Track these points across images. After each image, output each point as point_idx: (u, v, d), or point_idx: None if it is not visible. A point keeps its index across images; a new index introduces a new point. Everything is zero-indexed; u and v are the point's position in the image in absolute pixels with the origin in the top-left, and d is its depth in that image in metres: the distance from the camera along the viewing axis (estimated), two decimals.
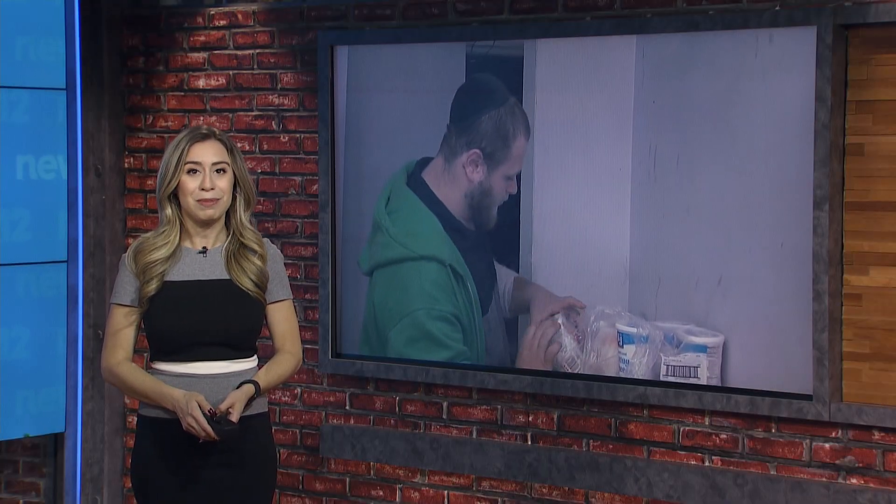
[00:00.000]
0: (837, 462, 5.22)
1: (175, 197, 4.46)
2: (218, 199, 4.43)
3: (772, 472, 5.35)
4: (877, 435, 5.15)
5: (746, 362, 4.83)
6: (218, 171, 4.44)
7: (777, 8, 5.21)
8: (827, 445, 5.24)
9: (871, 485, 5.17)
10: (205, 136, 4.46)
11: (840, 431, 5.21)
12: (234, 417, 4.31)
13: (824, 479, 5.24)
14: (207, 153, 4.43)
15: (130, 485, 4.52)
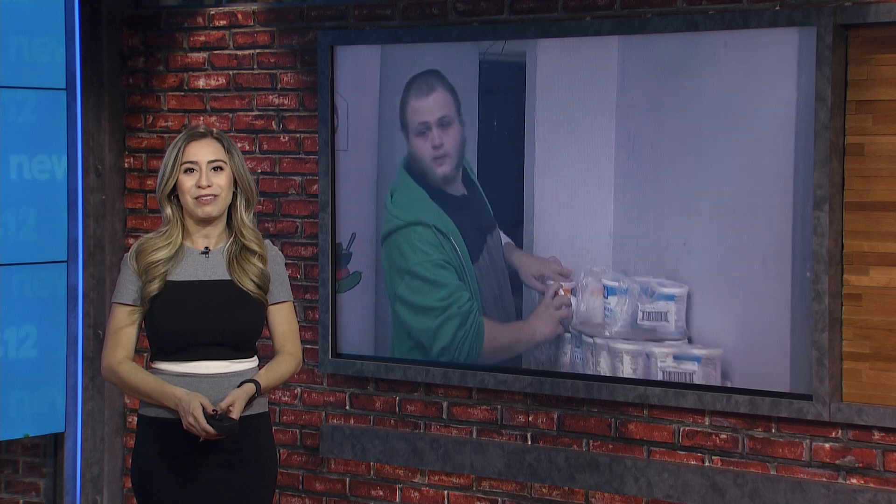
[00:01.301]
0: (837, 462, 5.22)
1: (176, 197, 4.47)
2: (215, 196, 4.43)
3: (772, 472, 5.35)
4: (877, 435, 5.16)
5: (745, 361, 4.83)
6: (215, 168, 4.44)
7: (777, 8, 5.21)
8: (827, 445, 5.24)
9: (871, 485, 5.17)
10: (201, 135, 4.47)
11: (840, 431, 5.22)
12: (235, 415, 4.31)
13: (824, 479, 5.24)
14: (203, 151, 4.44)
15: (130, 485, 4.52)
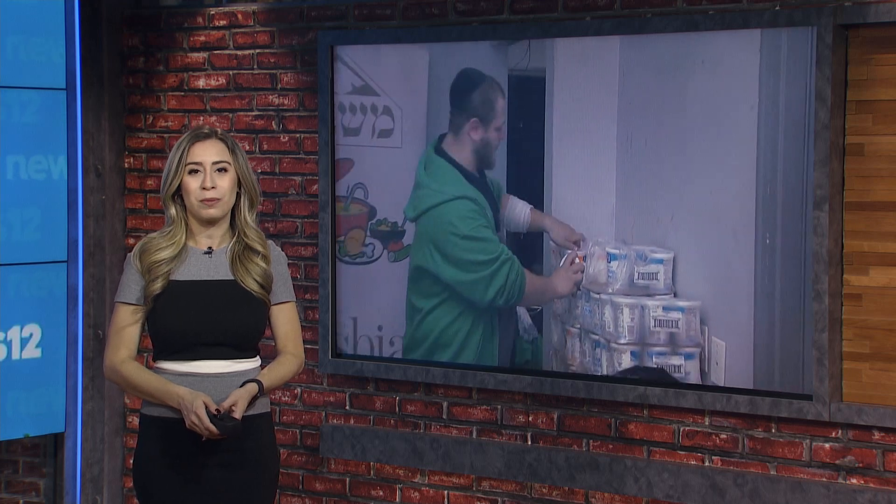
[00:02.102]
0: (837, 462, 5.22)
1: (180, 197, 4.47)
2: (219, 199, 4.43)
3: (772, 472, 5.35)
4: (877, 435, 5.16)
5: (744, 361, 4.84)
6: (219, 170, 4.44)
7: (777, 8, 5.21)
8: (827, 445, 5.24)
9: (871, 485, 5.17)
10: (206, 136, 4.47)
11: (840, 431, 5.22)
12: (238, 415, 4.31)
13: (824, 479, 5.25)
14: (208, 153, 4.44)
15: (132, 484, 4.52)
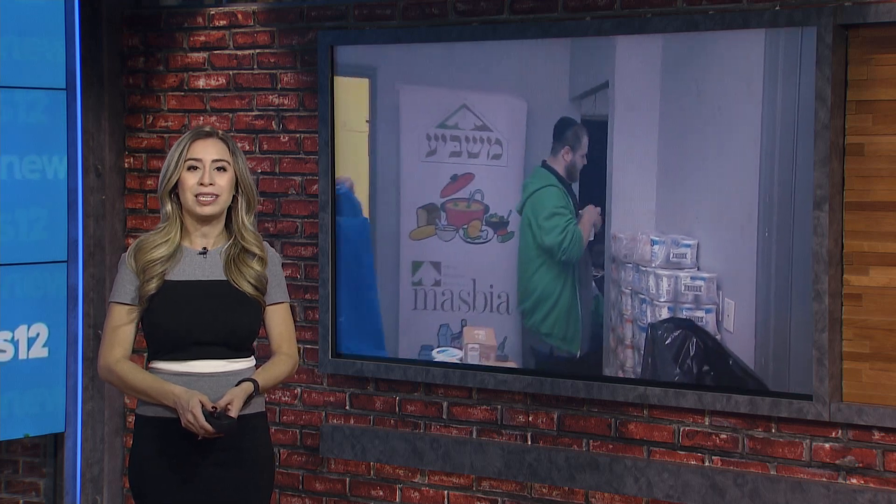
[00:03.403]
0: (837, 462, 5.22)
1: (176, 195, 4.47)
2: (216, 196, 4.44)
3: (772, 472, 5.35)
4: (877, 435, 5.15)
5: (748, 315, 5.16)
6: (218, 168, 4.45)
7: (777, 8, 5.21)
8: (827, 445, 5.24)
9: (871, 485, 5.17)
10: (207, 135, 4.48)
11: (840, 431, 5.21)
12: (233, 413, 4.31)
13: (824, 479, 5.24)
14: (208, 150, 4.45)
15: (129, 485, 4.53)
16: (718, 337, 4.86)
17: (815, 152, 5.10)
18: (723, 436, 5.43)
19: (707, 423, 5.46)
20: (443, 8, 5.90)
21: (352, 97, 5.22)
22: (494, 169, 4.93)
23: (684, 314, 4.93)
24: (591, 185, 4.84)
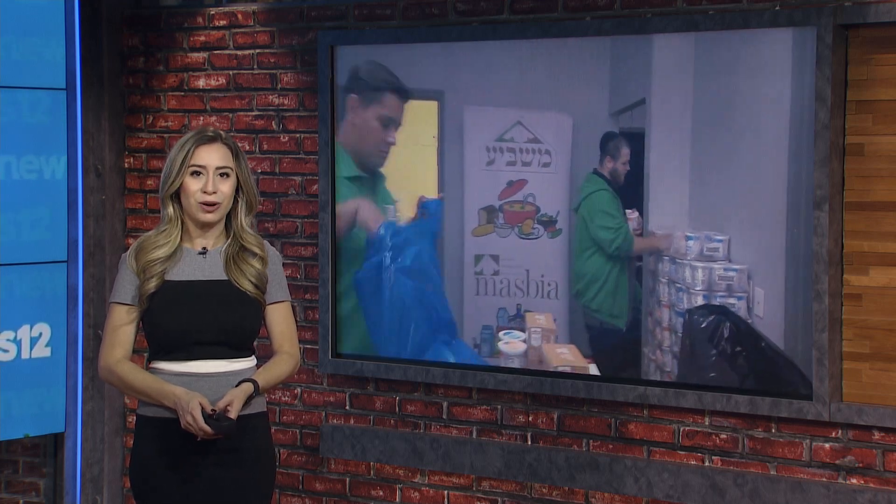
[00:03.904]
0: (837, 462, 5.22)
1: (177, 196, 4.47)
2: (218, 204, 4.43)
3: (772, 472, 5.35)
4: (877, 435, 5.15)
5: (777, 303, 5.30)
6: (222, 174, 4.44)
7: (777, 8, 5.21)
8: (827, 445, 5.24)
9: (871, 485, 5.17)
10: (211, 139, 4.46)
11: (840, 431, 5.21)
12: (233, 414, 4.31)
13: (824, 479, 5.24)
14: (213, 157, 4.43)
15: (129, 485, 4.53)
16: (750, 321, 5.18)
17: (815, 152, 5.10)
18: (723, 436, 5.43)
19: (707, 423, 5.46)
20: (443, 8, 5.90)
21: (421, 117, 5.85)
22: (544, 175, 5.51)
23: (718, 301, 5.24)
24: (632, 189, 5.34)
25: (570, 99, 5.42)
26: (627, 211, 5.37)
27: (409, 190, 5.94)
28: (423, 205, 5.83)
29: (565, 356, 5.58)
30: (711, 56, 5.33)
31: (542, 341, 5.60)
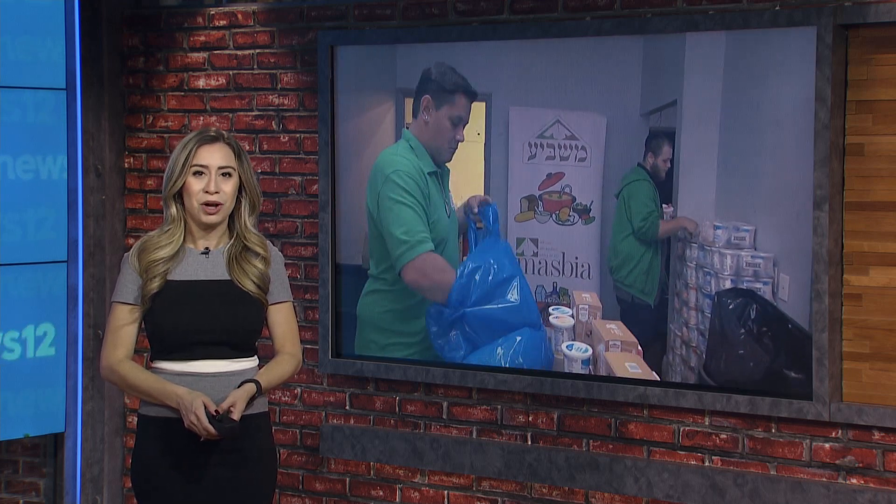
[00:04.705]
0: (837, 462, 5.22)
1: (180, 196, 4.46)
2: (221, 205, 4.44)
3: (772, 472, 5.35)
4: (877, 435, 5.16)
5: (802, 288, 5.34)
6: (224, 174, 4.44)
7: (777, 8, 5.21)
8: (827, 445, 5.24)
9: (871, 485, 5.17)
10: (213, 139, 4.46)
11: (840, 431, 5.22)
12: (236, 416, 4.31)
13: (824, 479, 5.25)
14: (215, 157, 4.44)
15: (131, 485, 4.53)
16: (776, 304, 5.38)
17: (815, 152, 5.11)
18: (723, 436, 5.43)
19: (707, 423, 5.46)
20: (443, 8, 5.90)
21: (471, 116, 6.25)
22: (580, 169, 5.88)
23: (745, 286, 5.44)
24: (665, 181, 5.65)
25: (604, 100, 5.75)
26: (664, 205, 5.63)
27: (457, 183, 6.30)
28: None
29: (615, 332, 5.86)
30: (739, 56, 5.32)
31: (590, 317, 6.01)
